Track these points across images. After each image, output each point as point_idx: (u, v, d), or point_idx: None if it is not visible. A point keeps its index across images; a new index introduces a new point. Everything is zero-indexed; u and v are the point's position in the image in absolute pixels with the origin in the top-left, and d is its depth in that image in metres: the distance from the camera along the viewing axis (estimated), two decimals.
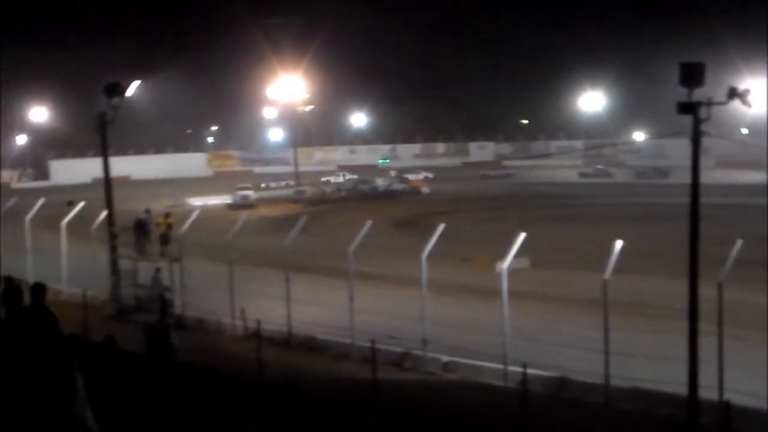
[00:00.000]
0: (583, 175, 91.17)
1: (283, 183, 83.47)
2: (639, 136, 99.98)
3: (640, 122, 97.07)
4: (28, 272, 31.29)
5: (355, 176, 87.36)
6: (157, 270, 29.09)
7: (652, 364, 18.59)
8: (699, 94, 17.16)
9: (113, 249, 31.58)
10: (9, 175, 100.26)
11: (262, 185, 79.87)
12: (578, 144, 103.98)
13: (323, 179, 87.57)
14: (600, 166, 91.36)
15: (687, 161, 17.54)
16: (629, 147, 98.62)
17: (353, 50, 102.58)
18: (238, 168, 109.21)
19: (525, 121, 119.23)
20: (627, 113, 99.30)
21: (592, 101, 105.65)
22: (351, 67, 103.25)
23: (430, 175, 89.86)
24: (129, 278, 31.16)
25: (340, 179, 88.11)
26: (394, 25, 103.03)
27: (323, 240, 40.80)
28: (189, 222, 30.27)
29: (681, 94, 17.06)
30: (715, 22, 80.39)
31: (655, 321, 24.55)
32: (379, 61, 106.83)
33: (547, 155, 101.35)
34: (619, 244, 19.43)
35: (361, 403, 16.66)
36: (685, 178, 17.96)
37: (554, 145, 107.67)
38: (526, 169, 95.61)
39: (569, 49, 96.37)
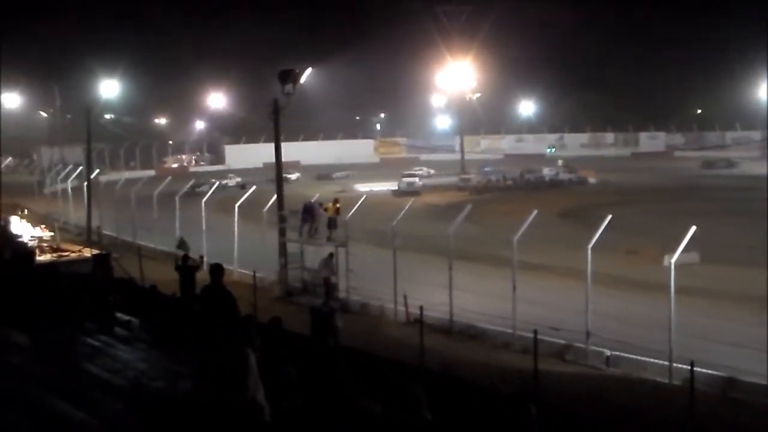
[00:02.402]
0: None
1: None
2: None
3: None
4: (203, 251, 32.81)
5: (430, 171, 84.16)
6: (331, 255, 29.74)
7: None
8: None
9: (282, 232, 32.62)
10: (187, 159, 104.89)
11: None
12: (755, 135, 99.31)
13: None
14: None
15: None
16: None
17: (523, 37, 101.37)
18: (404, 155, 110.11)
19: (699, 111, 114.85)
20: None
21: None
22: (520, 54, 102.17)
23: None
24: (296, 261, 32.09)
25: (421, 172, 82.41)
26: (564, 11, 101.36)
27: (487, 228, 40.77)
28: (355, 208, 30.93)
29: None
30: None
31: None
32: (549, 49, 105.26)
33: (721, 147, 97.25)
34: None
35: (522, 394, 16.61)
36: None
37: (729, 136, 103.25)
38: (697, 161, 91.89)
39: (749, 35, 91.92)
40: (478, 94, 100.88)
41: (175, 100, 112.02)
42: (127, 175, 61.90)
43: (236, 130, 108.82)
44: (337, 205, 33.10)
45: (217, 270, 12.97)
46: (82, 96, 77.66)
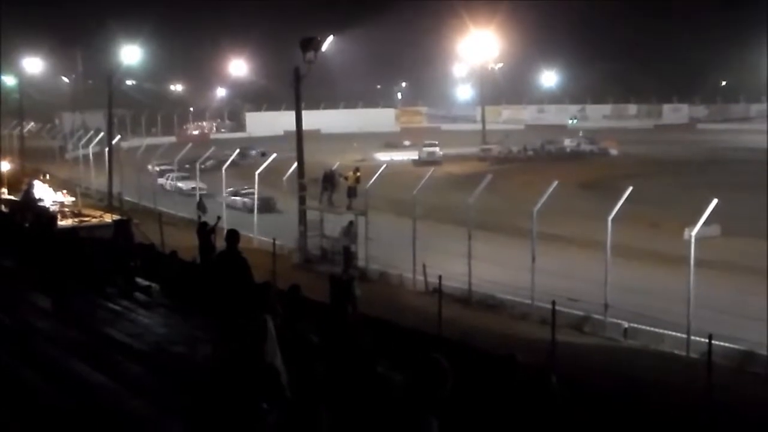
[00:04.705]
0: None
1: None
2: None
3: None
4: (224, 219, 32.95)
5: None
6: (351, 223, 29.81)
7: None
8: None
9: (302, 200, 32.70)
10: (208, 127, 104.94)
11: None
12: None
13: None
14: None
15: None
16: None
17: (546, 7, 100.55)
18: (425, 124, 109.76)
19: (723, 83, 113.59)
20: None
21: None
22: (543, 24, 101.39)
23: None
24: (315, 229, 32.18)
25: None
26: None
27: (507, 199, 40.61)
28: (375, 176, 30.93)
29: None
30: None
31: None
32: (572, 19, 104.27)
33: (744, 119, 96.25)
34: None
35: (542, 364, 16.66)
36: None
37: (754, 108, 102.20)
38: (720, 133, 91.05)
39: None
40: (501, 64, 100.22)
41: (197, 68, 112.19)
42: (148, 141, 62.11)
43: (257, 97, 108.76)
44: (358, 174, 33.12)
45: (232, 235, 13.02)
46: (104, 61, 77.69)
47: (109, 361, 11.27)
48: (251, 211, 36.40)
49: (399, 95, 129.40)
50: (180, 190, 47.42)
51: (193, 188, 43.03)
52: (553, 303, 19.13)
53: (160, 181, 47.64)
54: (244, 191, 41.52)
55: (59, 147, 69.71)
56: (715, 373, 15.64)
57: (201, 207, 33.04)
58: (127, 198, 44.91)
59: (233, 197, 41.33)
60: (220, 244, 15.16)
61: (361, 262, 29.05)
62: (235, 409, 9.01)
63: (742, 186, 45.88)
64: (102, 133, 53.32)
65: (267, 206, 38.83)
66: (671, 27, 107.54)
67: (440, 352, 9.11)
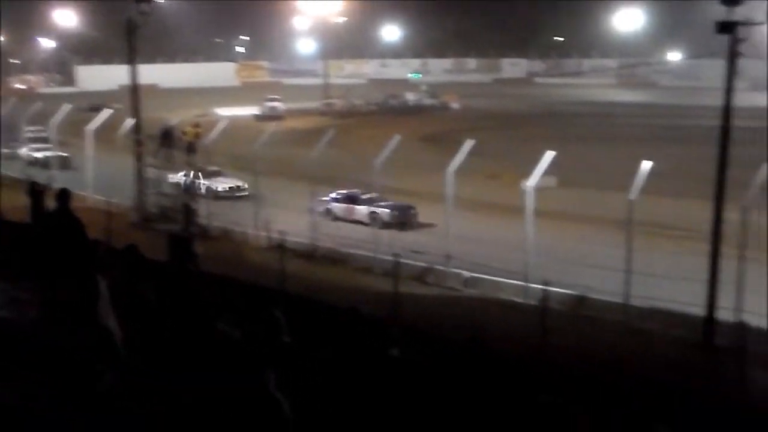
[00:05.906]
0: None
1: None
2: (674, 56, 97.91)
3: (676, 42, 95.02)
4: (54, 177, 31.54)
5: None
6: (192, 179, 29.10)
7: (673, 284, 18.66)
8: (738, 13, 17.00)
9: (139, 157, 31.66)
10: (34, 80, 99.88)
11: None
12: (611, 63, 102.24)
13: None
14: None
15: (721, 83, 17.60)
16: (663, 67, 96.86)
17: None
18: (266, 79, 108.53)
19: (559, 39, 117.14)
20: (664, 32, 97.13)
21: (627, 19, 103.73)
22: None
23: None
24: (154, 187, 31.26)
25: None
26: None
27: (351, 153, 40.64)
28: (216, 132, 30.27)
29: (720, 12, 16.97)
30: None
31: (680, 242, 24.46)
32: None
33: (578, 74, 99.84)
34: (647, 164, 19.37)
35: (384, 316, 16.79)
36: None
37: (586, 63, 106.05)
38: (556, 87, 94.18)
39: None
40: (343, 18, 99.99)
41: (19, 17, 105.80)
42: None
43: (88, 50, 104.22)
44: (198, 130, 32.37)
45: (63, 195, 12.46)
46: None
47: None
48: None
49: (240, 49, 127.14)
50: (215, 193, 33.00)
51: (231, 188, 33.46)
52: (396, 255, 19.33)
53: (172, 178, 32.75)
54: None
55: None
56: (550, 318, 16.20)
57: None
58: None
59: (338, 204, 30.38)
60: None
61: (203, 220, 28.46)
62: (68, 371, 8.67)
63: (579, 139, 47.64)
64: None
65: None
66: None
67: (282, 306, 8.98)
